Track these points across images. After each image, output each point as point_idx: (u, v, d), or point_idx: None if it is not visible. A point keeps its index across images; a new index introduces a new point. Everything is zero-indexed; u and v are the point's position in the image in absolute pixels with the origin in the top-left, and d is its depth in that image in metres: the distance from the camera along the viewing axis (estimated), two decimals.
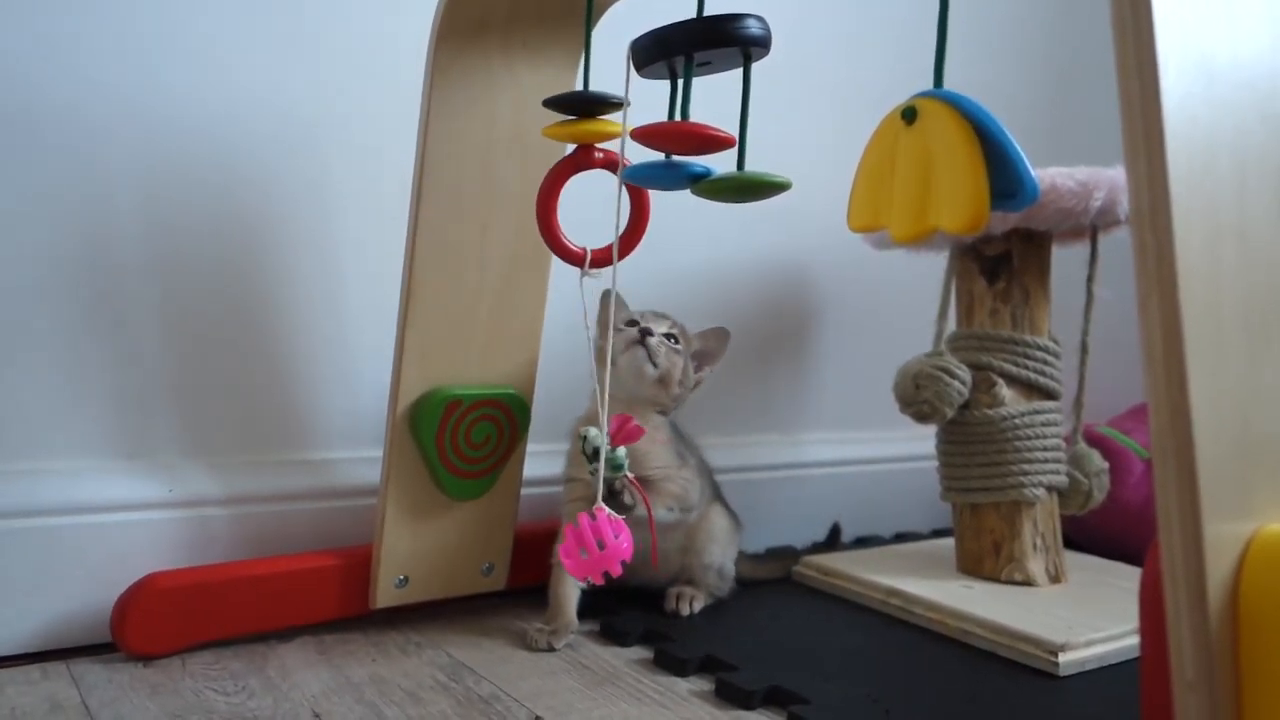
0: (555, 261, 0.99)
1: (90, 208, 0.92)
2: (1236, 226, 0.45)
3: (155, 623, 0.87)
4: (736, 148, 0.71)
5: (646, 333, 0.99)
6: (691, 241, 1.29)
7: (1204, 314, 0.42)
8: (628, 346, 0.99)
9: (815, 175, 1.16)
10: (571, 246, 0.83)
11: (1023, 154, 0.51)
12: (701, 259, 1.31)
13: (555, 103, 0.79)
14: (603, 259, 0.84)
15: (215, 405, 0.99)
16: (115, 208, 0.93)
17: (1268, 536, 0.41)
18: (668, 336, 1.01)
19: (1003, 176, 0.51)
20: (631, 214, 0.86)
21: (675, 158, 0.75)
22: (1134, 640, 0.97)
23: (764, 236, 1.36)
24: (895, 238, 0.55)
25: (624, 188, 0.82)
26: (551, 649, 0.95)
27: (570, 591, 0.99)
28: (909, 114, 0.55)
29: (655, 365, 0.99)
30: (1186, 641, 0.40)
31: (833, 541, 1.34)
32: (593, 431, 0.89)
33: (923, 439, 1.28)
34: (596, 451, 0.89)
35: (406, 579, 0.97)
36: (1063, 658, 0.92)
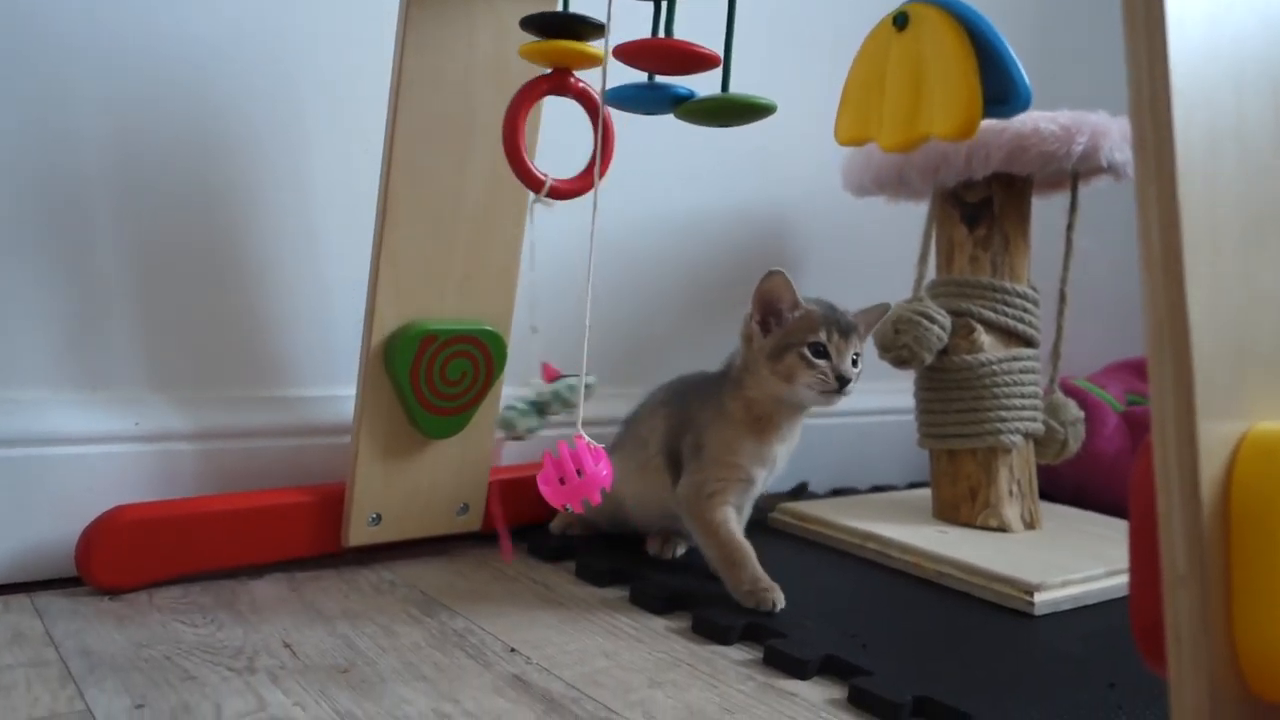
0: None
1: (52, 130, 0.89)
2: (1235, 129, 0.44)
3: (121, 556, 0.85)
4: (721, 69, 0.70)
5: (844, 381, 0.88)
6: (669, 187, 1.28)
7: (1202, 212, 0.41)
8: (820, 390, 0.89)
9: (795, 123, 1.15)
10: (535, 171, 0.79)
11: (1016, 58, 0.50)
12: (679, 205, 1.30)
13: (531, 23, 0.76)
14: (565, 190, 0.81)
15: (182, 338, 0.97)
16: (78, 131, 0.90)
17: (1259, 435, 0.41)
18: (854, 361, 0.90)
19: (996, 81, 0.50)
20: (595, 146, 0.82)
21: (658, 79, 0.73)
22: (1107, 582, 0.98)
23: (743, 183, 1.35)
24: (884, 147, 0.54)
25: (593, 119, 0.79)
26: (777, 607, 0.87)
27: (741, 536, 0.92)
28: (900, 20, 0.53)
29: (843, 399, 0.90)
30: (1178, 537, 0.39)
31: (797, 496, 1.31)
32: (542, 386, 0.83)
33: (899, 392, 1.28)
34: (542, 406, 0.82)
35: (379, 517, 0.96)
36: (1038, 597, 0.92)
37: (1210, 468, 0.40)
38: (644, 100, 0.73)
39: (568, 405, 0.82)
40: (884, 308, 0.96)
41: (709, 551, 0.92)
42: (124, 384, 0.94)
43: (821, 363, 0.88)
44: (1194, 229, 0.40)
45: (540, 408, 0.82)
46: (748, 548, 0.91)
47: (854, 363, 0.90)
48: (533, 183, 0.79)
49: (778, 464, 0.95)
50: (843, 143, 0.57)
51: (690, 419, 0.96)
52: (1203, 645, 0.39)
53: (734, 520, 0.93)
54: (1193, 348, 0.40)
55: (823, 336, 0.89)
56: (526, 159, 0.79)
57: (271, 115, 1.00)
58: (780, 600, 0.87)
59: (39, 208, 0.89)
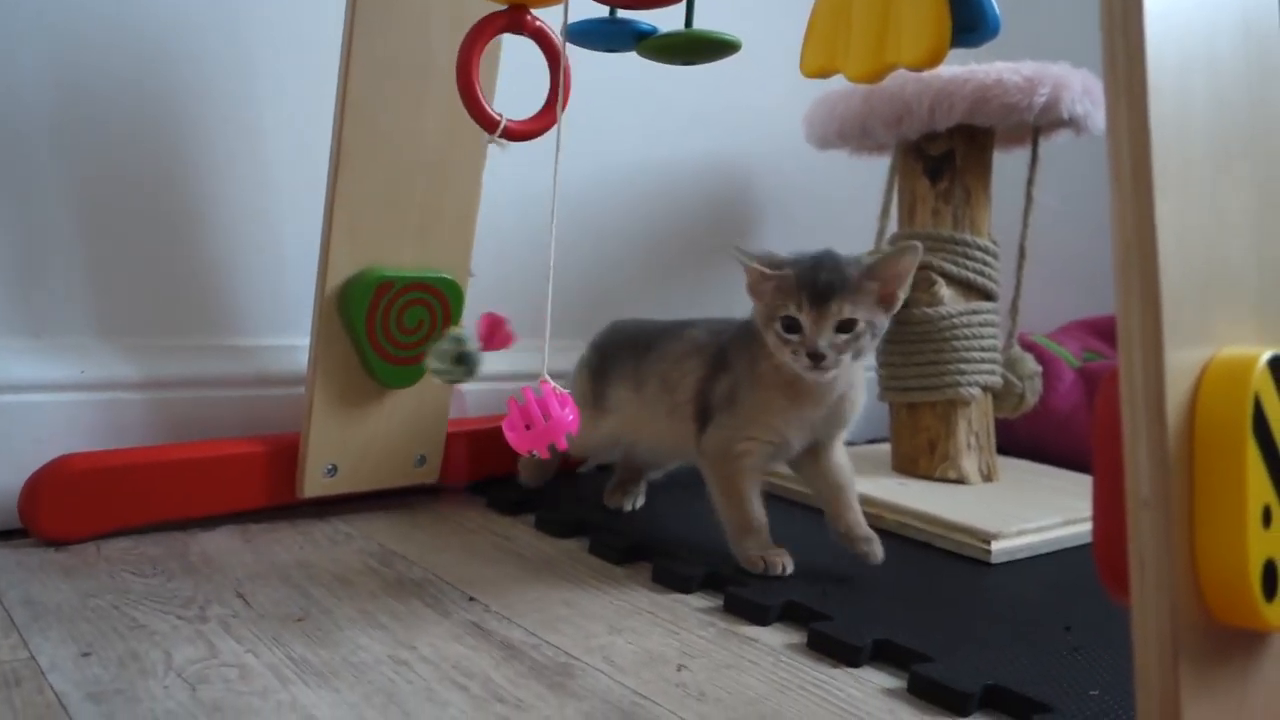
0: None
1: None
2: (1206, 57, 0.44)
3: (68, 506, 0.83)
4: (685, 4, 0.69)
5: (817, 357, 0.79)
6: (630, 137, 1.26)
7: (1172, 131, 0.40)
8: (803, 368, 0.80)
9: (759, 72, 1.13)
10: (489, 110, 0.76)
11: None
12: (641, 156, 1.28)
13: None
14: (521, 131, 0.78)
15: (130, 284, 0.94)
16: (19, 66, 0.87)
17: (1223, 362, 0.41)
18: (844, 327, 0.79)
19: (965, 8, 0.49)
20: (550, 86, 0.80)
21: (620, 14, 0.71)
22: (1062, 532, 0.99)
23: (705, 134, 1.33)
24: (851, 77, 0.53)
25: (549, 59, 0.78)
26: (787, 570, 0.84)
27: (759, 501, 0.88)
28: None
29: (831, 372, 0.81)
30: (1144, 462, 0.39)
31: None
32: (454, 332, 0.83)
33: None
34: (460, 357, 0.82)
35: (335, 468, 0.94)
36: (995, 546, 0.93)
37: (1176, 393, 0.40)
38: (605, 35, 0.71)
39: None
40: (907, 249, 0.81)
41: (723, 512, 0.88)
42: (69, 330, 0.91)
43: (793, 338, 0.80)
44: (1164, 147, 0.40)
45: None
46: (762, 518, 0.87)
47: (843, 328, 0.79)
48: (487, 122, 0.76)
49: (831, 423, 0.87)
50: (808, 74, 0.56)
51: (728, 368, 0.89)
52: (1165, 569, 0.39)
53: (756, 487, 0.87)
54: (1160, 269, 0.39)
55: (792, 309, 0.80)
56: (481, 97, 0.76)
57: (220, 55, 0.97)
58: (789, 566, 0.85)
59: None
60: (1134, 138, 0.39)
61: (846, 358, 0.80)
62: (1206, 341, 0.41)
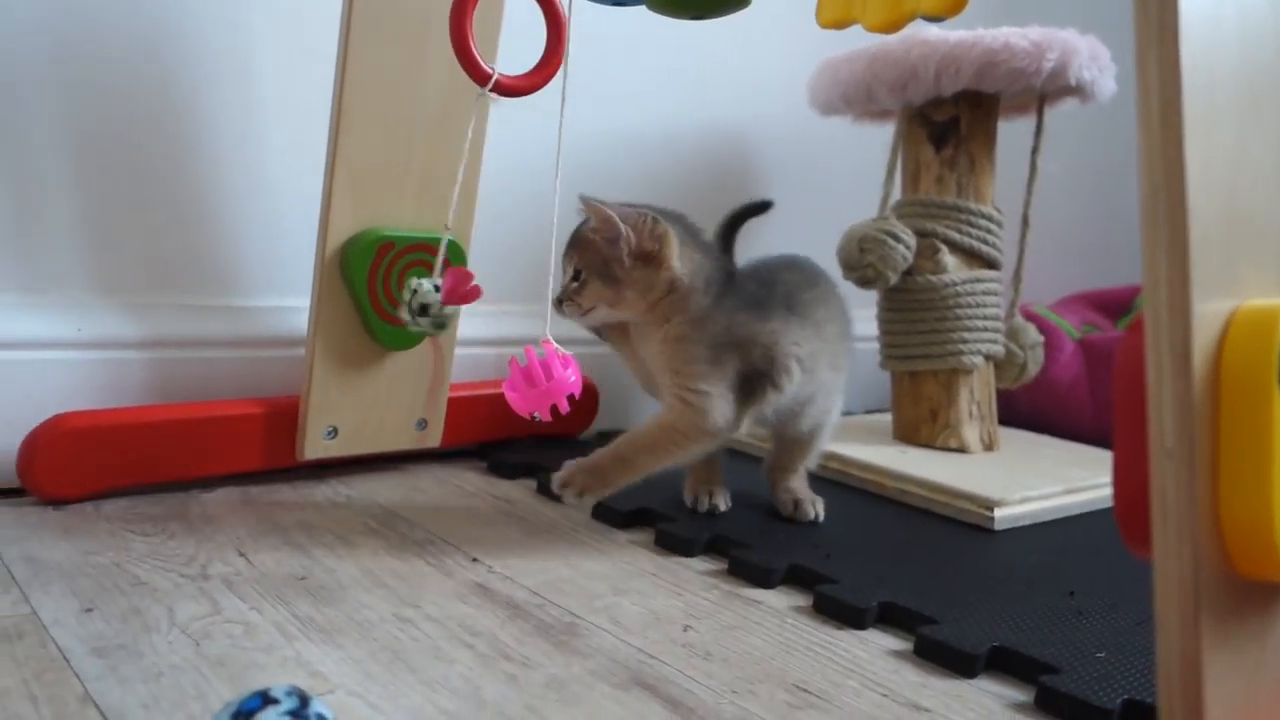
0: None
1: None
2: None
3: (66, 464, 0.82)
4: None
5: (557, 301, 0.83)
6: (631, 100, 1.24)
7: (1202, 74, 0.40)
8: None
9: (764, 41, 1.12)
10: (481, 63, 0.77)
11: None
12: (641, 119, 1.26)
13: None
14: (513, 86, 0.79)
15: (128, 242, 0.93)
16: (13, 17, 0.85)
17: (1250, 311, 0.40)
18: (575, 275, 0.83)
19: None
20: (547, 43, 0.81)
21: None
22: (1064, 500, 0.99)
23: (707, 99, 1.32)
24: (869, 27, 0.52)
25: (547, 13, 0.77)
26: (717, 510, 0.91)
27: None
28: None
29: (581, 317, 0.84)
30: (1168, 410, 0.39)
31: None
32: (424, 284, 0.87)
33: (859, 320, 1.27)
34: (424, 308, 0.88)
35: (336, 430, 0.93)
36: (998, 513, 0.93)
37: (1201, 342, 0.39)
38: None
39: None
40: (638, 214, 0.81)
41: None
42: (66, 287, 0.90)
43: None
44: (1193, 91, 0.39)
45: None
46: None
47: (574, 277, 0.83)
48: (479, 75, 0.76)
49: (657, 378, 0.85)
50: (824, 25, 0.55)
51: None
52: (1188, 520, 0.39)
53: None
54: (1189, 212, 0.39)
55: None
56: (474, 49, 0.76)
57: (220, 12, 0.95)
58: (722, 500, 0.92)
59: None
60: (1164, 79, 0.38)
61: (589, 304, 0.82)
62: (1232, 291, 0.41)
